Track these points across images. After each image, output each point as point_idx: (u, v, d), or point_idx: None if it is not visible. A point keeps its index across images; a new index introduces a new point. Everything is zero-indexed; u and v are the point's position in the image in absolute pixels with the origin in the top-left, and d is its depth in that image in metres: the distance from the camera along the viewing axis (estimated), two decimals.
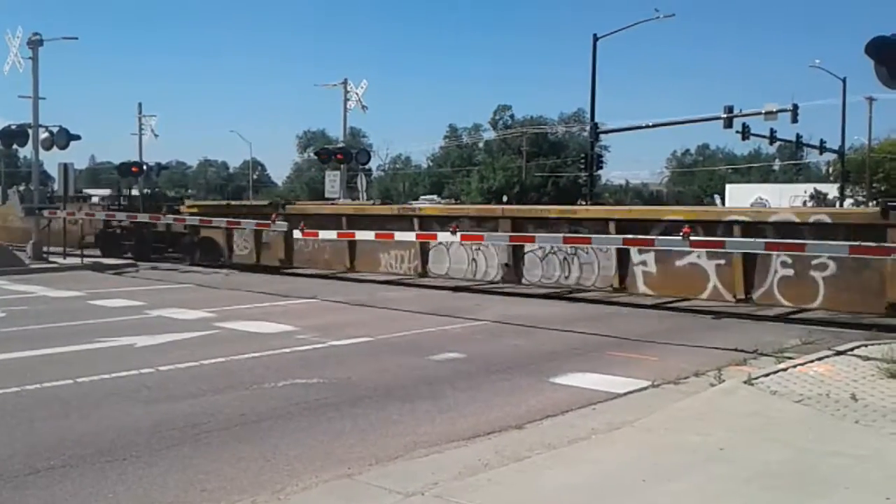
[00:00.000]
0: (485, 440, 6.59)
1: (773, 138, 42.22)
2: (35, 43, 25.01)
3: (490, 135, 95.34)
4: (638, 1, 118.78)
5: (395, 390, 8.39)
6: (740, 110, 35.70)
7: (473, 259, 18.52)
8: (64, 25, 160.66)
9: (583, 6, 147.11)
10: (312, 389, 8.38)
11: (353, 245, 20.38)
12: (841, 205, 49.29)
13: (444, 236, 15.10)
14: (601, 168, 54.85)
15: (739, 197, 65.77)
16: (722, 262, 14.76)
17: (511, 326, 12.84)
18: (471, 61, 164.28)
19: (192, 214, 24.36)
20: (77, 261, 23.68)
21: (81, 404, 7.72)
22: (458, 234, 14.82)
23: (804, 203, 55.50)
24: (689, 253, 14.66)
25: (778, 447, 6.08)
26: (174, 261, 24.96)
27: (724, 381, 8.34)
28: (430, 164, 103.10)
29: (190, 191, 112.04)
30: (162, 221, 23.70)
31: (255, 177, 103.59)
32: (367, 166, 41.21)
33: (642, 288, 15.93)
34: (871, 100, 57.78)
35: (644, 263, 15.81)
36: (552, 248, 16.70)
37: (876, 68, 10.08)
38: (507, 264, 17.76)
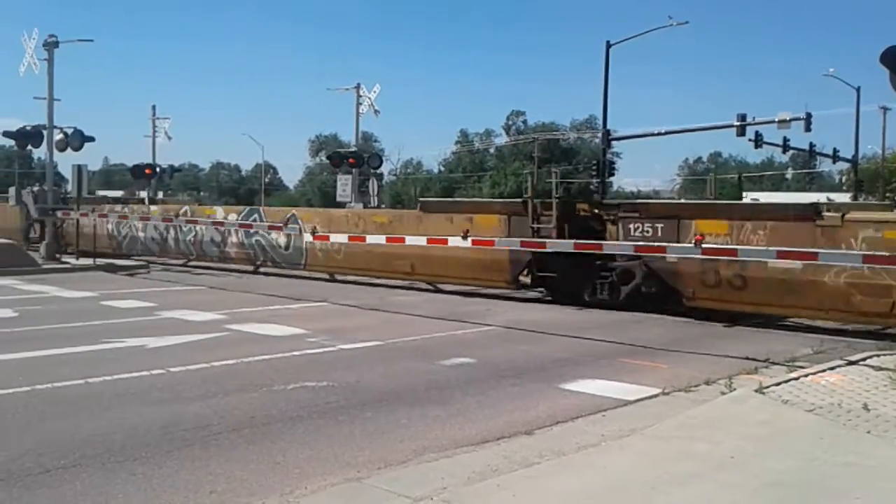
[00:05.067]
0: (494, 445, 6.58)
1: (786, 147, 42.10)
2: (51, 45, 25.16)
3: (501, 140, 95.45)
4: (652, 8, 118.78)
5: (404, 394, 8.39)
6: (753, 118, 35.64)
7: None
8: (79, 28, 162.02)
9: (597, 13, 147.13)
10: (322, 392, 8.39)
11: None
12: None
13: (454, 241, 15.03)
14: (613, 175, 54.69)
15: None
16: None
17: (521, 332, 12.82)
18: (483, 67, 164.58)
19: None
20: (89, 262, 23.84)
21: (92, 404, 7.76)
22: (469, 238, 14.76)
23: None
24: None
25: (789, 456, 6.05)
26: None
27: (734, 389, 8.30)
28: (442, 169, 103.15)
29: (202, 193, 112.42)
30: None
31: (266, 180, 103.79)
32: (378, 171, 41.15)
33: None
34: (885, 109, 57.48)
35: None
36: None
37: (891, 78, 10.04)
38: None
